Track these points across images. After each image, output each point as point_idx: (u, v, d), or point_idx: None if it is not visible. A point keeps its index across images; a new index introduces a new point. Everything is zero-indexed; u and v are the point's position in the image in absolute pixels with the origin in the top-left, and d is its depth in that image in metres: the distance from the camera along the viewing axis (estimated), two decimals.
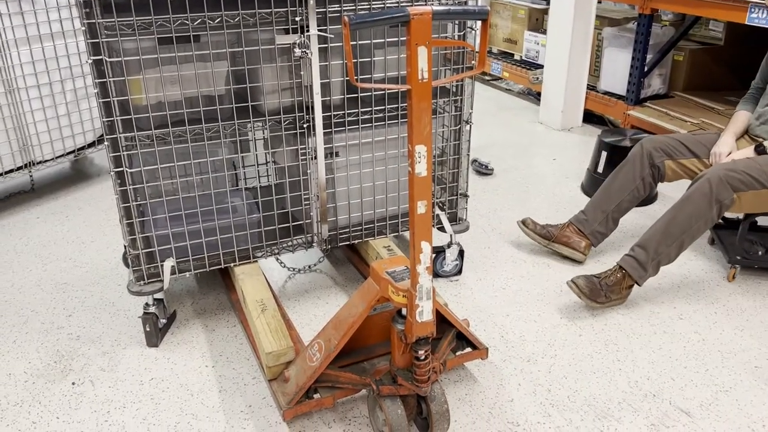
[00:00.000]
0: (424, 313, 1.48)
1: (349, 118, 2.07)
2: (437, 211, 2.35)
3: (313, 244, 2.21)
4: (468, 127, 2.24)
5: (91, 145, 3.29)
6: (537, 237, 2.58)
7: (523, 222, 2.61)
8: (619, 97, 3.92)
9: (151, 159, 1.89)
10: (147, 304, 2.05)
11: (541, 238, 2.57)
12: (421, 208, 1.40)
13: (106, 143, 1.80)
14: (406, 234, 2.46)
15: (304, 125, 2.02)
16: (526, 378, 1.94)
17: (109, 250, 2.69)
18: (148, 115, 1.81)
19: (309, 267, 2.55)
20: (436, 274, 2.44)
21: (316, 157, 2.06)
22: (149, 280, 2.01)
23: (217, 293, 2.38)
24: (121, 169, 1.84)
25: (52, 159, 3.11)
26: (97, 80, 1.73)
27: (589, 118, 4.20)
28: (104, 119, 1.77)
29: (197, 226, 2.00)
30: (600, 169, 3.09)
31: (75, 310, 2.30)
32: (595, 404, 1.84)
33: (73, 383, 1.94)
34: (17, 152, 2.97)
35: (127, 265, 2.48)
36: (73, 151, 3.22)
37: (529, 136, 4.05)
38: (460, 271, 2.48)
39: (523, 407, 1.83)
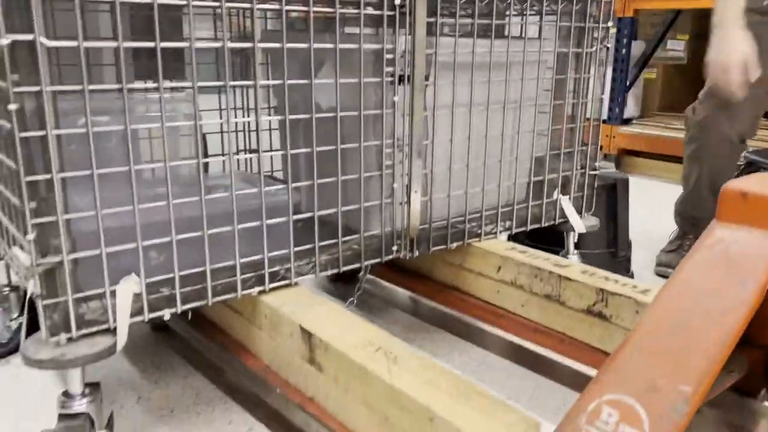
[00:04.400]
0: None
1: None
2: (555, 195, 1.45)
3: (393, 250, 1.18)
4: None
5: None
6: None
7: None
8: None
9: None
10: (67, 393, 0.87)
11: None
12: None
13: None
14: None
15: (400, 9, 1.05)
16: None
17: None
18: None
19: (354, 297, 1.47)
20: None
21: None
22: (80, 332, 0.85)
23: (174, 369, 1.22)
24: (45, 132, 0.74)
25: None
26: None
27: None
28: None
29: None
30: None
31: None
32: None
33: None
34: None
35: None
36: None
37: None
38: None
39: None
